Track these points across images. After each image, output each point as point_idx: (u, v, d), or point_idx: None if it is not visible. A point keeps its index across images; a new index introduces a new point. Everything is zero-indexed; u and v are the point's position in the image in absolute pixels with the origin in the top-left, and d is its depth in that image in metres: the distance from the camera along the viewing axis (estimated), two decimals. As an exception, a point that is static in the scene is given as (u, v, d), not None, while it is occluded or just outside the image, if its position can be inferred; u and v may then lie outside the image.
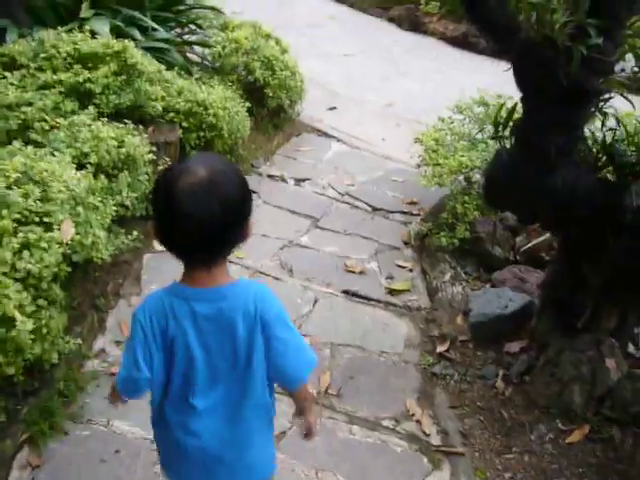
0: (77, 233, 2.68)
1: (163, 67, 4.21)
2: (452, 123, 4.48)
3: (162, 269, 3.45)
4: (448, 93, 6.62)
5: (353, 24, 8.22)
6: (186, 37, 5.54)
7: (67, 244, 2.59)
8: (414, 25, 8.11)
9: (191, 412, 1.59)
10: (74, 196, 2.74)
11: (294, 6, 8.61)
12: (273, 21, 7.99)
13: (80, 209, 2.77)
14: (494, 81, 7.36)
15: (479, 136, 4.38)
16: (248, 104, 4.74)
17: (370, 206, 4.58)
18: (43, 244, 2.46)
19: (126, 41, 3.87)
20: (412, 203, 4.66)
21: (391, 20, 8.34)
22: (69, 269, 2.66)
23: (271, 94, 4.95)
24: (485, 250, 3.53)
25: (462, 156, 3.81)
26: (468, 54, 7.58)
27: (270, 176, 4.82)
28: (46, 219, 2.55)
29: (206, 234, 1.44)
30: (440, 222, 3.83)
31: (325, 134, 5.63)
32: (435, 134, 4.11)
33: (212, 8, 5.50)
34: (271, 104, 5.06)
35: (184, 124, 4.02)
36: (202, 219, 1.41)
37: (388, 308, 3.42)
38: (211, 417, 1.60)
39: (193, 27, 5.50)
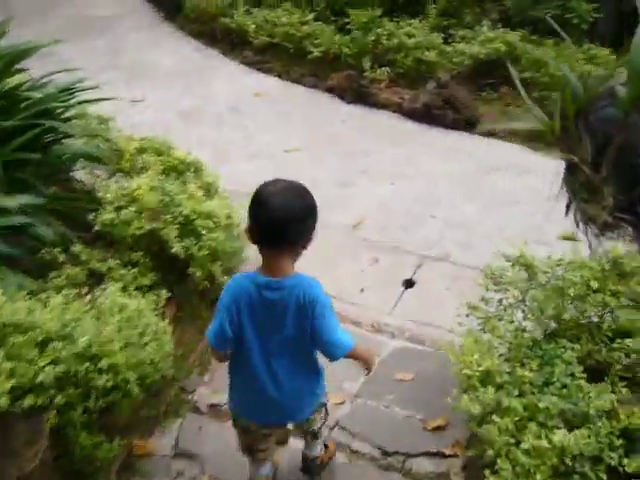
0: None
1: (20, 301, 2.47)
2: (488, 311, 2.88)
3: None
4: (427, 194, 5.10)
5: (287, 101, 6.57)
6: (67, 176, 3.82)
7: None
8: (360, 96, 6.52)
9: (256, 365, 2.15)
10: None
11: (209, 82, 6.93)
12: (185, 106, 6.35)
13: None
14: (474, 168, 5.91)
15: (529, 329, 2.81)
16: (165, 292, 3.07)
17: (379, 448, 2.92)
18: None
19: None
20: (439, 429, 3.02)
21: (330, 91, 6.72)
22: None
23: (199, 273, 3.24)
24: None
25: (550, 420, 2.19)
26: (436, 130, 6.03)
27: (213, 406, 3.10)
28: None
29: (280, 218, 1.96)
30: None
31: (280, 294, 3.95)
32: (485, 361, 2.46)
33: (98, 131, 3.76)
34: (199, 280, 3.35)
35: (58, 399, 2.28)
36: (281, 206, 1.97)
37: None
38: (269, 372, 2.16)
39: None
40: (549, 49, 6.02)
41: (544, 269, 2.93)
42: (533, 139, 5.95)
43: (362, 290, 4.04)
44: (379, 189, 5.09)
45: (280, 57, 7.24)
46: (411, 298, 4.01)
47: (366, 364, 2.32)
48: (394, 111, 6.35)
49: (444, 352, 3.49)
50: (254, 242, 2.08)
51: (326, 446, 2.77)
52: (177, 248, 3.14)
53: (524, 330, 2.71)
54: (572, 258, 2.94)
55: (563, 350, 2.63)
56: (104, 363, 2.38)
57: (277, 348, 2.13)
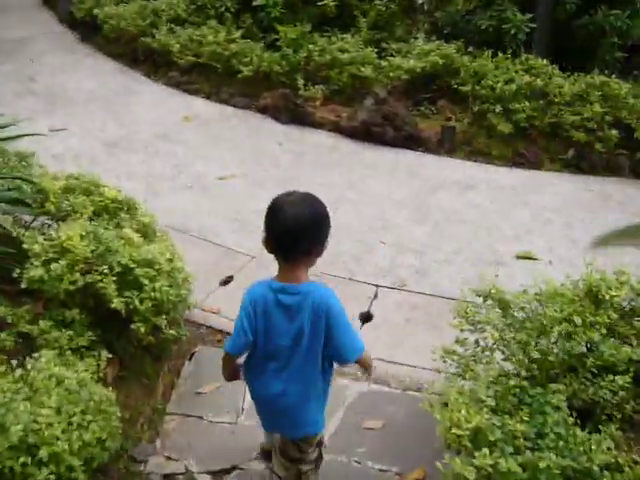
0: None
1: None
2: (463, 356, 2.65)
3: None
4: (374, 218, 4.87)
5: (218, 125, 6.27)
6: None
7: None
8: (295, 115, 6.28)
9: (265, 371, 2.22)
10: None
11: (134, 107, 6.55)
12: (110, 134, 5.97)
13: None
14: (419, 187, 5.67)
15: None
16: (105, 352, 2.73)
17: (354, 515, 2.66)
18: None
19: None
20: (417, 483, 2.79)
21: (263, 111, 6.46)
22: None
23: (143, 328, 2.91)
24: None
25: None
26: (377, 149, 5.85)
27: (168, 477, 2.78)
28: None
29: (294, 228, 2.04)
30: None
31: (231, 338, 3.64)
32: (474, 417, 2.21)
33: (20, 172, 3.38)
34: (143, 335, 3.00)
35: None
36: (294, 216, 2.04)
37: None
38: (277, 378, 2.20)
39: None
40: (486, 61, 5.92)
41: (520, 304, 2.73)
42: (474, 153, 5.85)
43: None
44: (324, 214, 4.84)
45: (208, 77, 6.94)
46: (370, 333, 3.76)
47: (368, 369, 2.37)
48: (332, 130, 6.14)
49: (412, 393, 3.30)
50: (270, 252, 2.15)
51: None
52: (117, 303, 2.80)
53: (507, 375, 2.50)
54: (546, 289, 2.74)
55: (551, 395, 2.43)
56: (44, 453, 2.03)
57: (291, 354, 2.16)
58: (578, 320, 2.56)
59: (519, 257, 4.52)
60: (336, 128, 6.12)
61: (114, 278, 2.87)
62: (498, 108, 5.71)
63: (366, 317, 3.88)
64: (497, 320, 2.65)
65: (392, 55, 6.39)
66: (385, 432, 3.04)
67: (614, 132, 5.67)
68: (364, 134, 5.93)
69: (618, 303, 2.80)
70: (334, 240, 4.59)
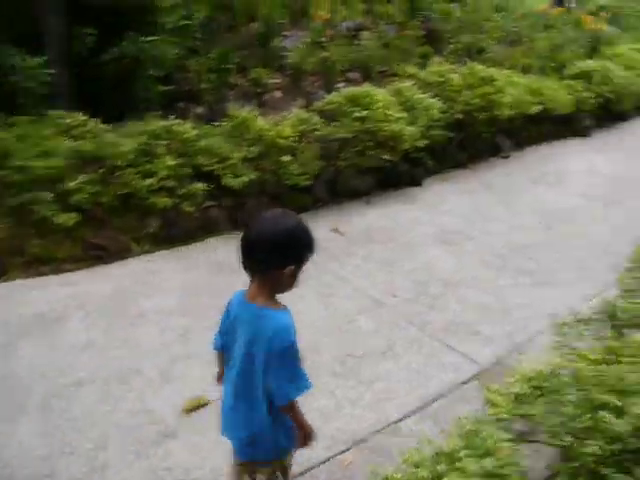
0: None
1: None
2: None
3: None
4: None
5: None
6: None
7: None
8: None
9: (227, 377, 2.10)
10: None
11: None
12: None
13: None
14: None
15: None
16: None
17: None
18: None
19: None
20: None
21: None
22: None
23: None
24: None
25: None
26: None
27: None
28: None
29: (250, 242, 1.90)
30: None
31: None
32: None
33: None
34: None
35: None
36: (254, 229, 1.91)
37: None
38: (230, 389, 2.06)
39: None
40: (2, 133, 4.10)
41: None
42: (35, 264, 4.08)
43: None
44: None
45: None
46: None
47: (302, 438, 2.07)
48: None
49: None
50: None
51: None
52: None
53: None
54: None
55: None
56: None
57: (239, 368, 2.02)
58: None
59: (189, 410, 3.04)
60: None
61: None
62: (46, 195, 3.99)
63: None
64: None
65: None
66: None
67: (199, 185, 4.50)
68: None
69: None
70: None
